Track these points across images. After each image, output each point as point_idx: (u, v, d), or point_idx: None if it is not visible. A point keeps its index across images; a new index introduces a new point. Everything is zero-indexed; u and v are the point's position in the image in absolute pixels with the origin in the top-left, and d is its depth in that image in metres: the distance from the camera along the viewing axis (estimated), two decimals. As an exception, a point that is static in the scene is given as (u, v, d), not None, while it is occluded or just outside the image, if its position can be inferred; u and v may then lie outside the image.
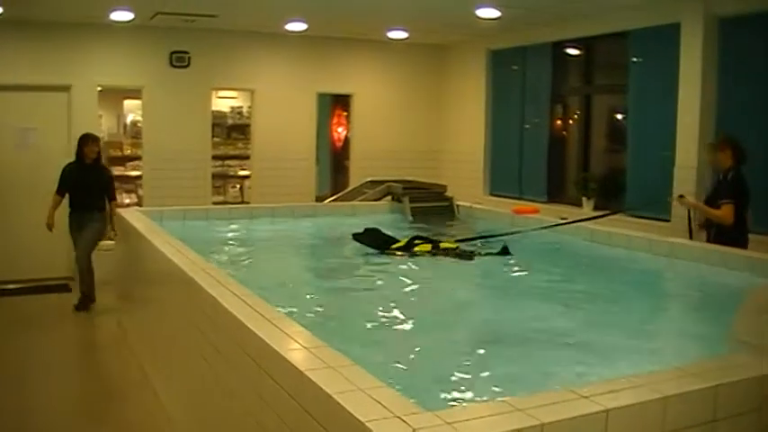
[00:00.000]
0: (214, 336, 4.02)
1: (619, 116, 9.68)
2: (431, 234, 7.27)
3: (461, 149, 11.84)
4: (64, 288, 9.71)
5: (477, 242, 7.04)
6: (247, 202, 11.53)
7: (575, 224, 7.33)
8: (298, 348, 3.04)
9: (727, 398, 2.76)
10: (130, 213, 7.61)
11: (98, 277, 9.99)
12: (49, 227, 8.60)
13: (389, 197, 9.13)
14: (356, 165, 12.09)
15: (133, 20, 9.71)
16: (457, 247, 6.60)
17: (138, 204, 10.74)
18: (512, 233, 7.24)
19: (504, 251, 6.54)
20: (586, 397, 2.51)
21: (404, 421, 2.25)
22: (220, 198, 11.82)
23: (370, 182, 9.72)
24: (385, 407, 2.36)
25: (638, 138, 8.63)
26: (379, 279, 5.88)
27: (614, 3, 8.40)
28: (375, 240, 6.67)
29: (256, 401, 3.28)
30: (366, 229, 6.81)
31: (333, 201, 9.70)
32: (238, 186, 12.19)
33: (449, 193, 8.99)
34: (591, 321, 4.51)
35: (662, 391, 2.61)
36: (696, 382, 2.73)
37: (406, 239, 6.71)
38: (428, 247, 6.55)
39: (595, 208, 9.13)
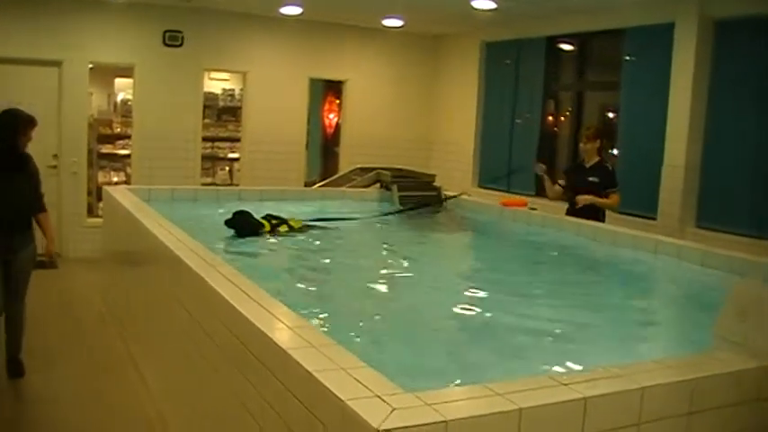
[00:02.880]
0: (199, 314, 4.04)
1: (610, 113, 9.70)
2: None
3: (452, 140, 11.86)
4: (48, 265, 9.69)
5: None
6: (236, 185, 11.53)
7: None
8: (281, 328, 3.06)
9: (704, 391, 2.80)
10: (119, 191, 7.60)
11: (85, 255, 9.98)
12: None
13: (378, 184, 9.14)
14: (346, 151, 12.09)
15: (128, -3, 9.69)
16: (302, 226, 7.01)
17: (127, 183, 10.72)
18: (350, 219, 7.76)
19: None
20: (565, 384, 2.54)
21: (383, 401, 2.27)
22: (209, 180, 11.80)
23: (360, 169, 9.73)
24: (365, 386, 2.38)
25: (629, 135, 8.66)
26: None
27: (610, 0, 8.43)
28: (247, 226, 6.63)
29: (240, 380, 3.30)
30: (236, 214, 6.66)
31: (322, 186, 9.71)
32: (227, 169, 12.18)
33: (437, 183, 9.01)
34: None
35: (640, 381, 2.65)
36: (674, 375, 2.77)
37: (265, 221, 6.81)
38: (286, 227, 6.86)
39: (583, 203, 9.16)
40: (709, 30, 7.76)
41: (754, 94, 7.37)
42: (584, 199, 7.33)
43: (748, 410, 2.95)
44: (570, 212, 7.45)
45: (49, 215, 6.19)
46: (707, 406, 2.82)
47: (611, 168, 7.44)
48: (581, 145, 7.64)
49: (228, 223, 6.53)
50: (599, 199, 7.29)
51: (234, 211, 6.67)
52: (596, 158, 7.43)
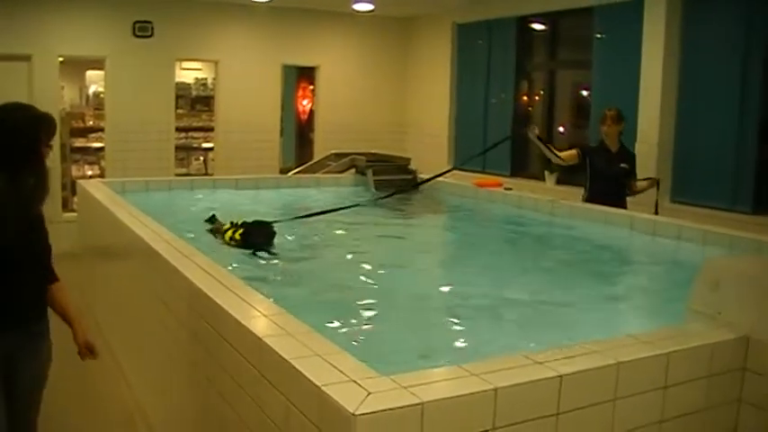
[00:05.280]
0: (174, 305, 4.03)
1: (583, 92, 9.73)
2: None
3: (426, 123, 11.86)
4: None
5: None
6: (211, 175, 11.49)
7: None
8: (257, 316, 3.05)
9: (679, 365, 2.82)
10: (93, 185, 7.55)
11: (61, 250, 9.88)
12: None
13: (353, 170, 9.13)
14: (321, 137, 12.07)
15: (95, -12, 9.59)
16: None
17: (101, 176, 10.64)
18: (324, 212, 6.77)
19: None
20: (540, 363, 2.55)
21: (359, 385, 2.28)
22: (183, 170, 11.74)
23: (335, 154, 9.71)
24: (341, 371, 2.38)
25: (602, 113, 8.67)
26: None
27: (579, -23, 8.44)
28: (268, 235, 5.69)
29: (216, 369, 3.29)
30: (251, 228, 5.63)
31: (297, 173, 9.69)
32: (202, 158, 12.13)
33: (412, 166, 9.01)
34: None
35: (615, 357, 2.67)
36: (649, 349, 2.79)
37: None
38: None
39: (558, 183, 9.21)
40: (677, 6, 7.79)
41: (723, 69, 7.41)
42: (642, 186, 7.10)
43: (723, 382, 2.98)
44: (593, 200, 6.96)
45: (63, 288, 3.86)
46: (682, 379, 2.85)
47: (634, 153, 7.16)
48: (604, 128, 7.04)
49: (250, 245, 5.52)
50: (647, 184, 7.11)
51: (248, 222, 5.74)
52: (619, 143, 7.07)
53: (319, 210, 6.77)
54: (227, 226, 5.74)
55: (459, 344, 3.73)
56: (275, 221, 5.88)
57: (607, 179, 6.99)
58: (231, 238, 5.58)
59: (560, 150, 7.42)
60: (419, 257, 6.07)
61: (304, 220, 6.52)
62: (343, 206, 6.93)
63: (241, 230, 5.57)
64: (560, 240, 6.50)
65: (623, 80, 8.31)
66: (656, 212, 6.87)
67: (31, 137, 3.39)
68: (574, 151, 7.30)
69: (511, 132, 10.19)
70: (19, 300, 3.47)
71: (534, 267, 5.56)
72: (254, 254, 5.41)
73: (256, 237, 5.55)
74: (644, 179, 7.14)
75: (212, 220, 6.21)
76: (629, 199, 7.10)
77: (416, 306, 4.41)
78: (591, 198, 7.04)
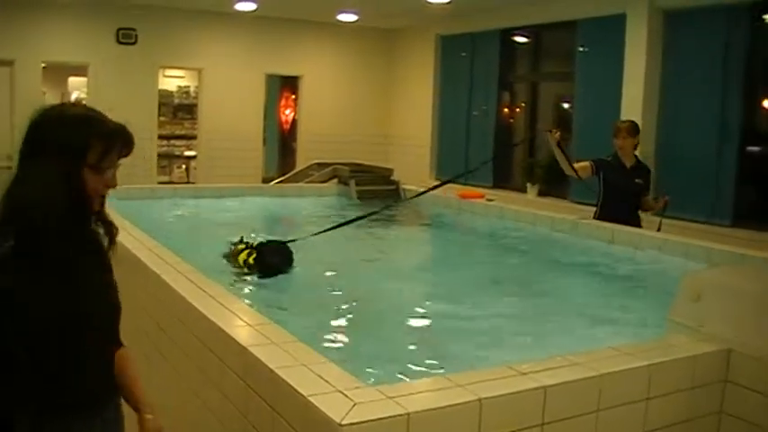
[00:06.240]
0: (157, 313, 4.01)
1: (565, 104, 9.79)
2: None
3: (409, 134, 11.90)
4: None
5: None
6: (193, 183, 11.47)
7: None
8: (241, 325, 3.05)
9: (662, 377, 2.84)
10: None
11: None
12: None
13: (336, 179, 9.13)
14: (303, 147, 12.08)
15: (79, -5, 9.57)
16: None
17: (82, 183, 10.59)
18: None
19: None
20: (524, 374, 2.56)
21: (345, 395, 2.28)
22: (165, 178, 11.74)
23: (317, 164, 9.71)
24: (327, 381, 2.38)
25: (584, 125, 8.74)
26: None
27: (562, -9, 8.51)
28: (287, 258, 5.24)
29: (200, 379, 3.28)
30: (266, 250, 5.14)
31: (279, 182, 9.68)
32: (184, 167, 12.11)
33: (395, 177, 9.02)
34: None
35: (598, 369, 2.68)
36: (631, 361, 2.81)
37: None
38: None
39: (539, 194, 9.25)
40: (659, 20, 7.88)
41: (704, 83, 7.49)
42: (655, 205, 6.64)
43: (705, 394, 3.00)
44: (606, 217, 6.41)
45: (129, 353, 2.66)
46: (665, 391, 2.86)
47: (650, 168, 6.79)
48: (618, 142, 6.49)
49: (263, 270, 5.00)
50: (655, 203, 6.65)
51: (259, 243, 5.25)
52: (634, 157, 6.58)
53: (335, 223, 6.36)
54: (242, 246, 5.25)
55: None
56: (290, 241, 5.41)
57: (622, 196, 6.53)
58: (245, 262, 5.07)
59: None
60: (400, 267, 6.07)
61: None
62: (355, 218, 6.51)
63: (255, 254, 5.07)
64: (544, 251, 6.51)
65: (605, 92, 8.39)
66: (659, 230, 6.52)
67: (60, 137, 2.14)
68: (587, 164, 6.65)
69: (494, 147, 10.27)
70: (84, 369, 2.27)
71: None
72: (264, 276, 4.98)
73: (271, 259, 5.06)
74: (654, 197, 6.77)
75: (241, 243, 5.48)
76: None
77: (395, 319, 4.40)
78: (603, 216, 6.52)
